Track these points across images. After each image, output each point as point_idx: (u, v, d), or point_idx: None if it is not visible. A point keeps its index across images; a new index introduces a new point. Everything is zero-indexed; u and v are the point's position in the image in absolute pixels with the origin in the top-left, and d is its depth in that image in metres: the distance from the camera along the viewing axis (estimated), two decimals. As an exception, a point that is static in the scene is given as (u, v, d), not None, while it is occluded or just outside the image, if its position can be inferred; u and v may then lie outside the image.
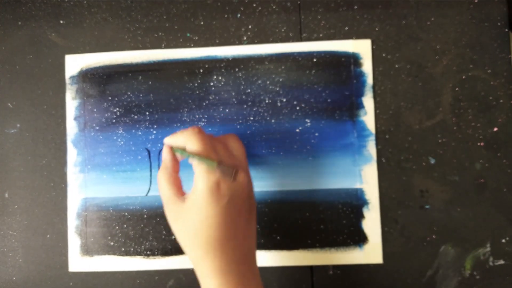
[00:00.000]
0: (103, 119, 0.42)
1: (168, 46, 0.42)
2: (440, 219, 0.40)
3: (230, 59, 0.42)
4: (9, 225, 0.42)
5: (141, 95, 0.42)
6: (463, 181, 0.40)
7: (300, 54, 0.41)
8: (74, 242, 0.41)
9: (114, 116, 0.42)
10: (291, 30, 0.42)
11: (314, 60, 0.41)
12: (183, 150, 0.33)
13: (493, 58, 0.41)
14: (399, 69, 0.41)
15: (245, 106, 0.41)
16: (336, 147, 0.41)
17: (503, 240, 0.40)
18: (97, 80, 0.42)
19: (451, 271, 0.40)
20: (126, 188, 0.41)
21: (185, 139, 0.33)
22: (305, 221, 0.41)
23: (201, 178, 0.31)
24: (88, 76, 0.42)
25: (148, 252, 0.41)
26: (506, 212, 0.40)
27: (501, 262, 0.40)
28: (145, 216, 0.41)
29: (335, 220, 0.41)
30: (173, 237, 0.41)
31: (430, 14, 0.41)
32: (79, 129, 0.42)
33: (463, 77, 0.41)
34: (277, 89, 0.41)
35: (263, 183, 0.41)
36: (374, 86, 0.41)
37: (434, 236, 0.40)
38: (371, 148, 0.41)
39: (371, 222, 0.40)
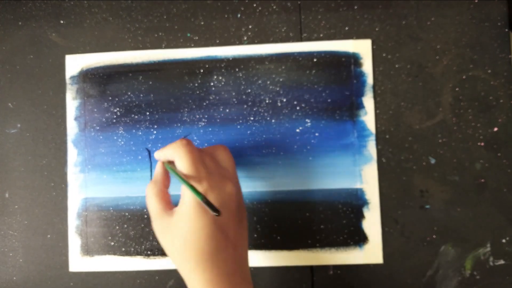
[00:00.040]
0: (104, 119, 0.42)
1: (168, 46, 0.42)
2: (440, 219, 0.40)
3: (230, 59, 0.42)
4: (9, 225, 0.42)
5: (142, 95, 0.42)
6: (463, 181, 0.40)
7: (300, 54, 0.41)
8: (74, 242, 0.41)
9: (115, 116, 0.42)
10: (291, 30, 0.42)
11: (314, 60, 0.41)
12: (172, 165, 0.33)
13: (493, 58, 0.41)
14: (399, 69, 0.41)
15: (245, 106, 0.41)
16: (336, 147, 0.41)
17: (503, 240, 0.40)
18: (97, 80, 0.42)
19: (451, 271, 0.40)
20: (127, 188, 0.41)
21: (173, 152, 0.32)
22: (305, 221, 0.41)
23: (188, 190, 0.31)
24: (89, 76, 0.42)
25: (149, 252, 0.41)
26: (506, 212, 0.40)
27: (501, 262, 0.40)
28: (146, 216, 0.41)
29: (335, 220, 0.41)
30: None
31: (430, 14, 0.41)
32: (80, 129, 0.42)
33: (463, 77, 0.41)
34: (277, 89, 0.41)
35: (263, 183, 0.41)
36: (374, 86, 0.41)
37: (434, 236, 0.40)
38: (371, 148, 0.41)
39: (371, 222, 0.40)
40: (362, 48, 0.41)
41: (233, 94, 0.41)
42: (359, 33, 0.41)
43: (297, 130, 0.41)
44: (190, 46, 0.42)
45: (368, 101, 0.41)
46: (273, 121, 0.41)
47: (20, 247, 0.42)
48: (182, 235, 0.31)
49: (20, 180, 0.42)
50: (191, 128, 0.41)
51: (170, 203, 0.34)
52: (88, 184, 0.42)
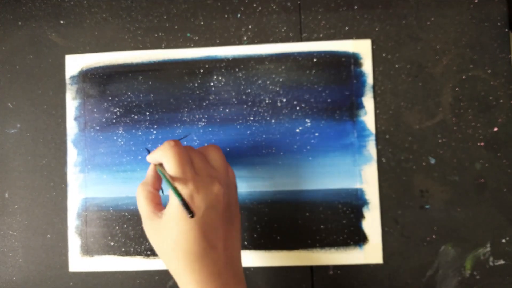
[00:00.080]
0: (103, 119, 0.42)
1: (168, 46, 0.42)
2: (440, 219, 0.40)
3: (230, 59, 0.42)
4: (9, 225, 0.42)
5: (141, 95, 0.42)
6: (463, 181, 0.40)
7: (300, 54, 0.41)
8: (74, 242, 0.41)
9: (114, 116, 0.42)
10: (291, 30, 0.42)
11: (314, 60, 0.41)
12: (162, 167, 0.33)
13: (493, 58, 0.41)
14: (399, 69, 0.41)
15: (245, 106, 0.41)
16: (336, 147, 0.41)
17: (503, 240, 0.40)
18: (97, 80, 0.42)
19: (451, 271, 0.40)
20: (126, 188, 0.41)
21: (161, 154, 0.33)
22: (305, 221, 0.41)
23: (174, 192, 0.31)
24: (88, 76, 0.42)
25: (148, 252, 0.41)
26: (506, 212, 0.40)
27: (501, 262, 0.40)
28: (145, 216, 0.41)
29: (335, 220, 0.41)
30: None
31: (430, 14, 0.41)
32: (79, 129, 0.42)
33: (463, 77, 0.41)
34: (277, 89, 0.41)
35: (263, 183, 0.41)
36: (374, 86, 0.41)
37: (434, 236, 0.40)
38: (371, 148, 0.41)
39: (371, 222, 0.40)
40: (362, 48, 0.41)
41: (233, 94, 0.41)
42: (359, 33, 0.41)
43: (297, 130, 0.41)
44: (190, 46, 0.42)
45: (368, 101, 0.41)
46: (273, 121, 0.41)
47: (20, 247, 0.42)
48: (170, 237, 0.32)
49: (20, 180, 0.42)
50: (191, 128, 0.41)
51: (160, 205, 0.34)
52: (88, 184, 0.42)
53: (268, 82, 0.41)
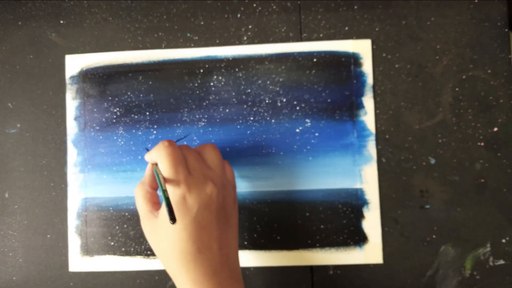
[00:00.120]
0: (103, 119, 0.42)
1: (168, 46, 0.42)
2: (440, 219, 0.40)
3: (230, 59, 0.42)
4: (9, 225, 0.42)
5: (141, 95, 0.42)
6: (463, 181, 0.40)
7: (300, 54, 0.41)
8: (74, 242, 0.41)
9: (114, 116, 0.42)
10: (291, 30, 0.42)
11: (314, 60, 0.41)
12: (157, 167, 0.33)
13: (493, 58, 0.41)
14: (399, 69, 0.41)
15: (245, 106, 0.41)
16: (336, 147, 0.41)
17: (503, 240, 0.40)
18: (97, 80, 0.42)
19: (451, 271, 0.40)
20: (126, 188, 0.41)
21: (155, 154, 0.33)
22: (305, 221, 0.41)
23: (170, 192, 0.32)
24: (88, 76, 0.42)
25: (148, 252, 0.41)
26: (506, 212, 0.40)
27: (501, 262, 0.40)
28: (145, 216, 0.41)
29: (335, 220, 0.41)
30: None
31: (430, 14, 0.41)
32: (79, 129, 0.42)
33: (463, 77, 0.41)
34: (277, 89, 0.41)
35: (263, 183, 0.41)
36: (374, 86, 0.41)
37: (434, 236, 0.40)
38: (371, 148, 0.41)
39: (371, 222, 0.40)
40: (362, 48, 0.41)
41: (233, 94, 0.41)
42: (359, 33, 0.41)
43: (297, 130, 0.41)
44: (190, 46, 0.42)
45: (368, 101, 0.41)
46: (273, 121, 0.41)
47: (20, 247, 0.42)
48: (165, 236, 0.32)
49: (20, 180, 0.42)
50: (191, 128, 0.41)
51: (158, 204, 0.34)
52: (88, 184, 0.42)
53: (268, 82, 0.41)
